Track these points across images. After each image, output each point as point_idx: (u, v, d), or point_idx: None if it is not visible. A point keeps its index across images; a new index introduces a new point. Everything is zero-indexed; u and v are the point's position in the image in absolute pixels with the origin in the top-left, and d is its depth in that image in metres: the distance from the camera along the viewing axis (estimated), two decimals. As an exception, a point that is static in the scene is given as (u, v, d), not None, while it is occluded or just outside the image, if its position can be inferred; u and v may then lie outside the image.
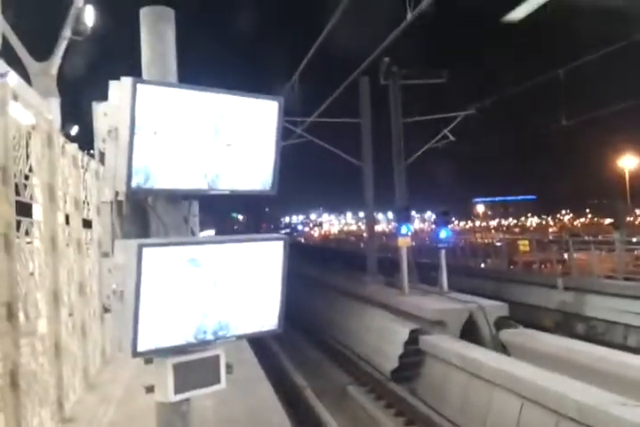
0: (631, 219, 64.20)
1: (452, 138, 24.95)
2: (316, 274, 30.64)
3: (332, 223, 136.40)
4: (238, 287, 3.38)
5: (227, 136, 3.36)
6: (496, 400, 11.85)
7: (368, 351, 18.02)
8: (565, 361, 13.07)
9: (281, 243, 3.56)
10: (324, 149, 25.53)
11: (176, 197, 3.51)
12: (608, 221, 62.87)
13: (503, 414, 11.39)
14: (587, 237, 32.60)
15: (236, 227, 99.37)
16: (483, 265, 29.08)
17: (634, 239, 23.85)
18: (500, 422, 11.42)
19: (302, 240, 79.25)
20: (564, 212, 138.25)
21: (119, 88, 3.05)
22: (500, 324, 16.46)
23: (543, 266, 25.68)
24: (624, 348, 15.24)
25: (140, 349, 2.99)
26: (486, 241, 35.83)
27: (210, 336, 3.29)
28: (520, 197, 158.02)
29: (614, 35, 19.12)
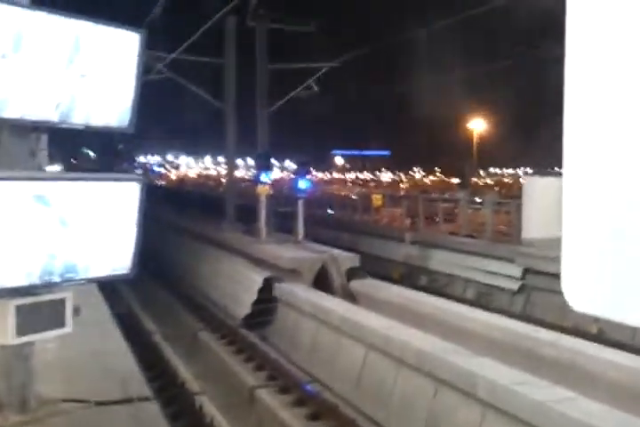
0: (476, 180, 68.01)
1: (315, 88, 24.93)
2: (172, 218, 30.11)
3: (190, 166, 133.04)
4: (89, 228, 3.22)
5: (82, 66, 3.12)
6: (343, 347, 12.34)
7: (222, 298, 18.08)
8: (409, 311, 13.82)
9: (137, 184, 3.42)
10: (186, 89, 24.71)
11: (24, 129, 3.25)
12: (455, 180, 66.32)
13: (349, 361, 11.90)
14: (433, 195, 34.29)
15: (74, 160, 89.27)
16: (339, 217, 29.87)
17: (477, 199, 25.31)
18: (345, 367, 11.92)
19: (159, 183, 76.63)
20: (415, 169, 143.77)
21: (-40, 3, 2.73)
22: (351, 274, 17.05)
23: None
24: (463, 300, 16.33)
25: (-25, 289, 2.80)
26: (343, 193, 36.73)
27: (57, 278, 3.14)
28: (376, 152, 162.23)
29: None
